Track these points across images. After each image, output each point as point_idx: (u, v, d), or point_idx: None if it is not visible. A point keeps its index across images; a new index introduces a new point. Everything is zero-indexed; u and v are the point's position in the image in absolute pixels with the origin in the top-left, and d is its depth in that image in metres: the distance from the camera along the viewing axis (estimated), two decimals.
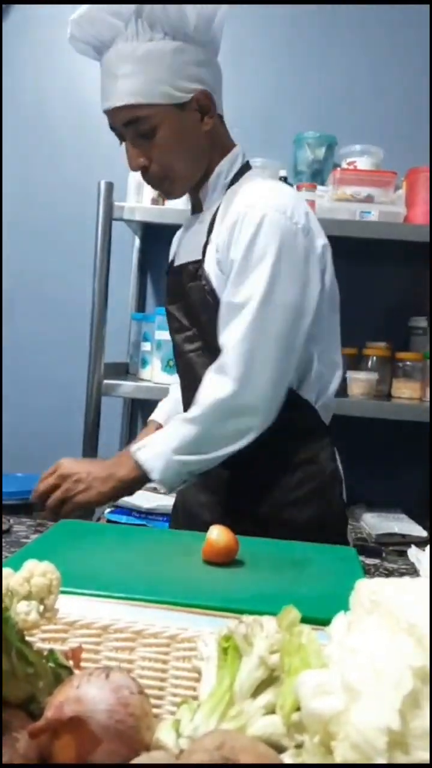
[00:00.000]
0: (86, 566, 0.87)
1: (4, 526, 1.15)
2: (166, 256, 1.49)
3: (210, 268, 1.23)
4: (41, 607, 0.50)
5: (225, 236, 1.20)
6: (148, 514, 1.95)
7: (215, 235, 1.24)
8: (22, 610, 0.49)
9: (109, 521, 1.94)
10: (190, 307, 1.29)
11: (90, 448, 1.94)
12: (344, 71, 2.28)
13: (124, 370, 2.23)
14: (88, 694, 0.45)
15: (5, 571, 0.50)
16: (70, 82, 2.40)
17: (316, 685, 0.44)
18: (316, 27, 2.23)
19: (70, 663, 0.54)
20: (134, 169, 1.24)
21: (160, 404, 1.57)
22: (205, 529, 0.94)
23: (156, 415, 1.52)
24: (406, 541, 1.88)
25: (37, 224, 2.42)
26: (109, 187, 1.91)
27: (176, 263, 1.35)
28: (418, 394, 1.98)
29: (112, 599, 0.75)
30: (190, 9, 1.15)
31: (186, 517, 1.41)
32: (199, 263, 1.25)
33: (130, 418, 2.42)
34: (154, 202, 2.03)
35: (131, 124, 1.20)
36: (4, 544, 1.08)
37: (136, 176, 2.06)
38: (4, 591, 0.48)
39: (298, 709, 0.47)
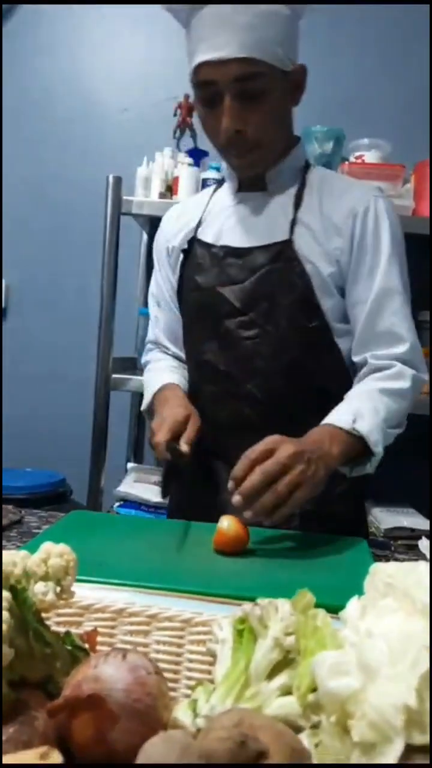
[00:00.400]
0: (99, 555, 0.88)
1: (15, 517, 1.15)
2: None
3: (302, 249, 1.19)
4: (58, 588, 0.50)
5: (338, 223, 1.20)
6: (157, 508, 1.96)
7: (309, 218, 1.21)
8: (40, 591, 0.49)
9: (118, 514, 1.94)
10: (253, 290, 1.22)
11: (99, 443, 1.95)
12: (352, 65, 2.28)
13: (132, 365, 2.23)
14: (106, 674, 0.46)
15: (22, 552, 0.51)
16: (77, 78, 2.41)
17: (332, 665, 0.44)
18: (324, 21, 2.22)
19: (86, 646, 0.55)
20: (230, 129, 1.14)
21: (159, 366, 1.41)
22: None
23: (171, 378, 1.35)
24: (415, 534, 1.87)
25: (46, 220, 2.43)
26: (118, 181, 1.91)
27: (233, 244, 1.25)
28: (426, 389, 1.98)
29: (125, 587, 0.76)
30: None
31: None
32: (287, 244, 1.20)
33: (139, 413, 2.43)
34: (162, 196, 2.04)
35: (242, 81, 1.10)
36: (15, 535, 1.09)
37: (143, 170, 2.07)
38: (20, 572, 0.49)
39: (313, 690, 0.47)
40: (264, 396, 1.22)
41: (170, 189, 2.06)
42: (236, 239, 1.26)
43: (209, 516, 1.04)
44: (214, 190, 1.38)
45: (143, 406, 1.37)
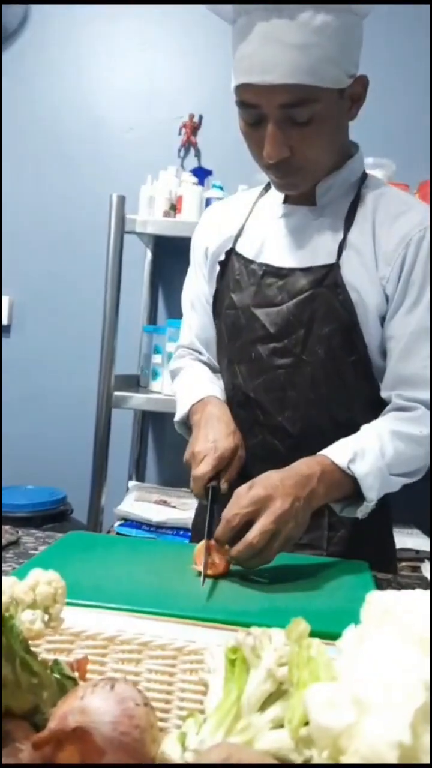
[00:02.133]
0: (94, 578, 0.87)
1: (13, 537, 1.14)
2: (179, 268, 1.39)
3: (349, 275, 1.10)
4: (46, 617, 0.49)
5: (389, 250, 1.10)
6: (158, 528, 1.95)
7: (359, 241, 1.11)
8: (27, 619, 0.48)
9: (118, 534, 1.93)
10: (291, 315, 1.13)
11: (100, 461, 1.94)
12: None
13: (135, 383, 2.23)
14: (93, 705, 0.45)
15: (10, 579, 0.50)
16: (83, 97, 2.44)
17: (325, 698, 0.43)
18: None
19: (76, 674, 0.53)
20: (272, 158, 1.04)
21: (196, 374, 1.31)
22: None
23: (212, 390, 1.25)
24: (420, 556, 1.86)
25: (51, 237, 2.45)
26: (121, 200, 1.92)
27: (273, 263, 1.16)
28: None
29: (119, 611, 0.75)
30: None
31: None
32: (333, 268, 1.11)
33: (141, 431, 2.42)
34: (166, 214, 2.04)
35: (289, 107, 0.99)
36: (12, 555, 1.07)
37: (147, 189, 2.08)
38: (8, 599, 0.48)
39: (306, 723, 0.46)
40: (295, 429, 1.15)
41: (174, 208, 2.07)
42: (278, 258, 1.16)
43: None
44: (260, 195, 1.27)
45: (177, 417, 1.26)
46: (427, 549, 1.84)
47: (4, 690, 0.46)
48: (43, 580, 0.49)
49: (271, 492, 0.93)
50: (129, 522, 1.98)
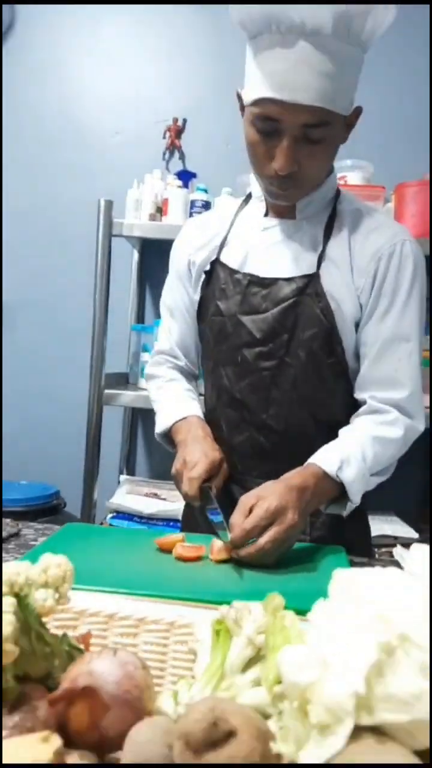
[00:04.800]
0: (91, 564, 0.94)
1: (13, 530, 1.22)
2: (166, 269, 1.42)
3: (328, 285, 1.19)
4: (57, 595, 0.57)
5: (363, 263, 1.19)
6: (149, 519, 2.03)
7: (337, 253, 1.21)
8: (40, 597, 0.55)
9: (111, 525, 2.01)
10: (275, 321, 1.21)
11: (93, 456, 2.01)
12: None
13: (124, 380, 2.30)
14: (99, 668, 0.52)
15: (24, 563, 0.57)
16: (68, 103, 2.50)
17: (295, 659, 0.51)
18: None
19: (81, 646, 0.61)
20: (284, 171, 1.12)
21: (176, 390, 1.40)
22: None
23: (193, 407, 1.35)
24: (398, 542, 1.94)
25: (40, 239, 2.51)
26: (109, 204, 1.99)
27: (258, 273, 1.24)
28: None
29: (115, 594, 0.82)
30: (380, 21, 1.08)
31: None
32: (313, 278, 1.20)
33: (131, 426, 2.49)
34: (152, 217, 2.11)
35: (310, 127, 1.08)
36: (13, 546, 1.15)
37: (134, 193, 2.14)
38: (23, 581, 0.55)
39: (279, 682, 0.54)
40: (279, 426, 1.24)
41: (160, 210, 2.13)
42: (261, 268, 1.24)
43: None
44: (240, 206, 1.35)
45: (159, 429, 1.34)
46: (405, 535, 1.93)
47: (23, 658, 0.54)
48: (53, 564, 0.57)
49: (285, 504, 1.03)
50: (121, 514, 2.06)
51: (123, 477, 2.37)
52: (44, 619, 0.58)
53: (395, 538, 1.95)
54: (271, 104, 1.08)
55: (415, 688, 0.48)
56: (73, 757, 0.50)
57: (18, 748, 0.48)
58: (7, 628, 0.51)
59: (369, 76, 2.34)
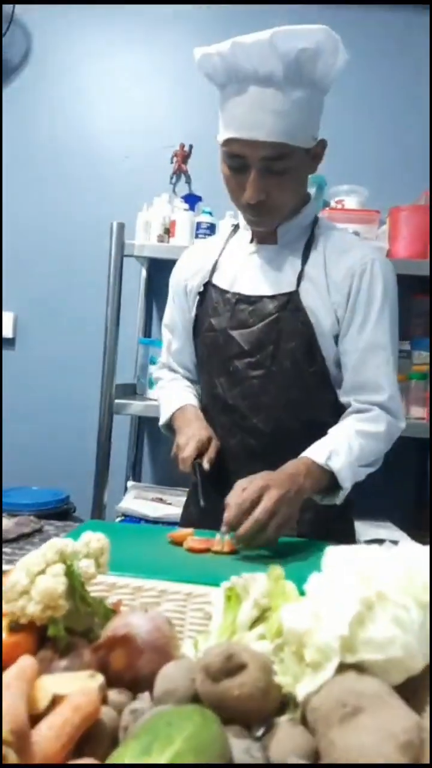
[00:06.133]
0: (113, 555, 1.05)
1: (37, 526, 1.33)
2: None
3: (307, 301, 1.33)
4: (97, 564, 0.69)
5: (338, 281, 1.33)
6: (155, 522, 2.14)
7: (314, 273, 1.35)
8: (84, 566, 0.67)
9: None
10: (261, 334, 1.35)
11: (103, 463, 2.12)
12: (332, 118, 2.48)
13: (132, 391, 2.42)
14: (134, 622, 0.64)
15: (68, 539, 0.69)
16: (81, 129, 2.64)
17: (293, 612, 0.63)
18: None
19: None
20: (253, 200, 1.27)
21: (175, 385, 1.57)
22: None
23: (189, 398, 1.51)
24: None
25: (54, 257, 2.64)
26: (121, 227, 2.12)
27: (245, 292, 1.38)
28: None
29: (137, 578, 0.94)
30: (330, 65, 1.22)
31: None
32: (293, 295, 1.34)
33: (138, 435, 2.61)
34: (160, 238, 2.24)
35: (269, 160, 1.23)
36: (38, 541, 1.26)
37: (144, 215, 2.27)
38: (71, 551, 0.67)
39: (280, 635, 0.66)
40: (268, 429, 1.37)
41: (168, 231, 2.26)
42: (248, 287, 1.39)
43: (216, 527, 1.20)
44: (230, 235, 1.52)
45: (162, 421, 1.52)
46: (397, 538, 2.04)
47: (69, 615, 0.66)
48: (94, 538, 0.69)
49: (269, 482, 1.15)
50: (129, 518, 2.17)
51: (130, 483, 2.48)
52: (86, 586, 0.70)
53: (389, 541, 2.06)
54: (235, 143, 1.24)
55: (389, 633, 0.60)
56: (112, 694, 0.62)
57: (70, 682, 0.60)
58: (60, 588, 0.63)
59: (364, 104, 2.51)
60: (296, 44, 1.17)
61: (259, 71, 1.19)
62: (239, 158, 1.26)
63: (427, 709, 0.63)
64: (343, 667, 0.59)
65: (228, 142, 1.26)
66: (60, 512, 2.41)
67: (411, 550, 0.72)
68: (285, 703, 0.60)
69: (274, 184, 1.27)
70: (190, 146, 2.55)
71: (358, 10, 2.51)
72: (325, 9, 2.47)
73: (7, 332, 2.65)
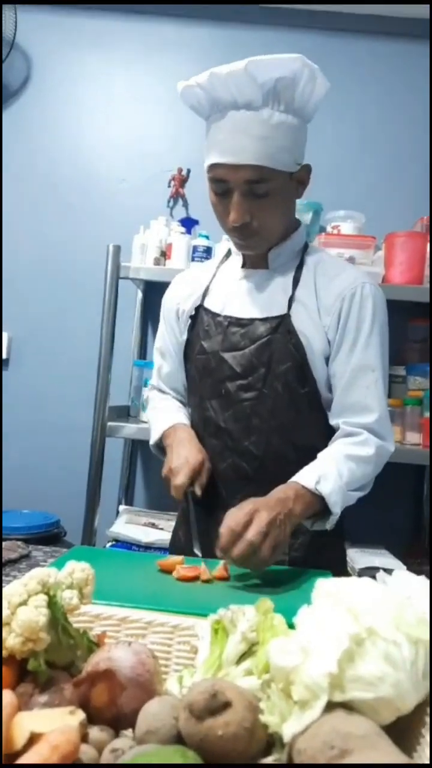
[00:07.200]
0: (100, 582, 1.03)
1: (24, 551, 1.31)
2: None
3: (298, 324, 1.34)
4: (80, 595, 0.67)
5: (328, 304, 1.34)
6: (147, 548, 2.11)
7: (305, 297, 1.36)
8: (67, 597, 0.66)
9: None
10: (253, 356, 1.36)
11: (95, 486, 2.10)
12: (330, 144, 2.52)
13: (125, 413, 2.40)
14: (116, 655, 0.62)
15: (52, 569, 0.67)
16: (79, 152, 2.65)
17: (281, 648, 0.61)
18: None
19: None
20: (237, 222, 1.29)
21: (167, 405, 1.56)
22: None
23: (179, 417, 1.51)
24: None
25: (50, 279, 2.64)
26: (117, 249, 2.12)
27: (237, 315, 1.39)
28: (398, 437, 2.17)
29: (124, 608, 0.92)
30: (309, 93, 1.26)
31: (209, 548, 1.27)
32: (285, 318, 1.34)
33: (130, 458, 2.59)
34: (157, 261, 2.24)
35: (251, 183, 1.26)
36: (25, 567, 1.24)
37: (140, 238, 2.28)
38: (53, 582, 0.66)
39: (267, 671, 0.64)
40: (260, 452, 1.36)
41: (164, 254, 2.26)
42: (240, 310, 1.40)
43: (209, 552, 1.20)
44: (221, 261, 1.53)
45: (152, 441, 1.50)
46: (392, 566, 2.02)
47: (51, 648, 0.64)
48: (78, 568, 0.67)
49: (259, 507, 1.14)
50: (120, 543, 2.14)
51: (122, 507, 2.45)
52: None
53: (384, 569, 2.03)
54: (219, 168, 1.27)
55: (379, 671, 0.58)
56: (93, 731, 0.60)
57: (49, 719, 0.58)
58: (42, 619, 0.61)
59: (362, 130, 2.53)
60: (272, 74, 1.21)
61: (238, 100, 1.23)
62: (223, 183, 1.28)
63: (418, 748, 0.61)
64: (331, 706, 0.57)
65: (212, 168, 1.29)
66: (50, 536, 2.37)
67: (403, 582, 0.71)
68: (271, 743, 0.58)
69: (257, 207, 1.29)
70: (188, 170, 2.56)
71: (356, 37, 2.54)
72: (323, 36, 2.50)
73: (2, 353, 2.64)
